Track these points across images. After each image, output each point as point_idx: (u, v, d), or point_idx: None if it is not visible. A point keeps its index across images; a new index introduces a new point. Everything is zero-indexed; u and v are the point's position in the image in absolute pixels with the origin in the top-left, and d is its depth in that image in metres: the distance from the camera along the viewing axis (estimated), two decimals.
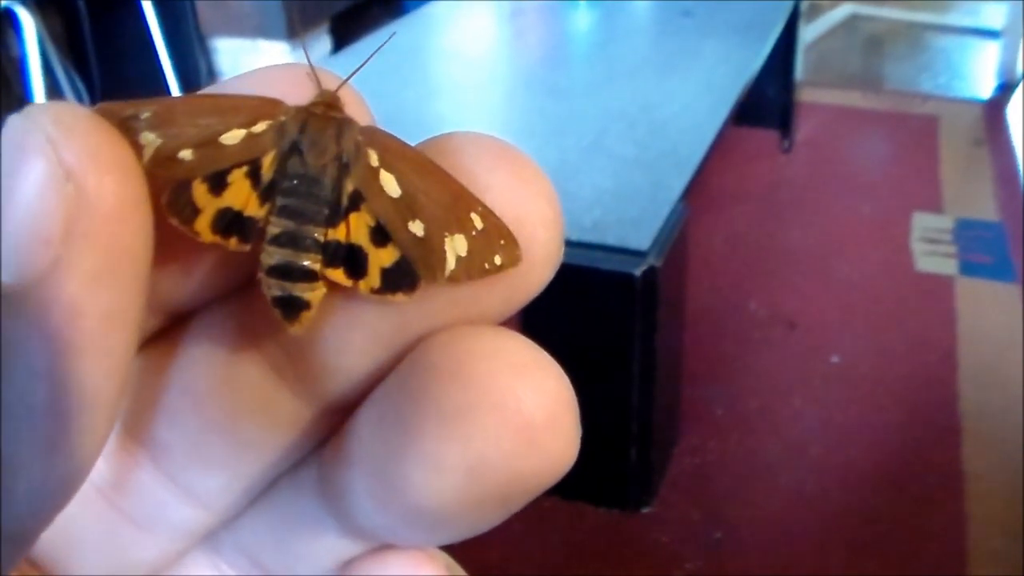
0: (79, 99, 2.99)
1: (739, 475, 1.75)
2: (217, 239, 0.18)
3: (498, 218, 0.18)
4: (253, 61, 3.05)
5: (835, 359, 2.01)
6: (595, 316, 1.53)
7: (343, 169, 0.18)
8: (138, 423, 0.20)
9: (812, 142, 2.91)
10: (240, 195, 0.18)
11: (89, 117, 0.16)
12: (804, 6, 2.65)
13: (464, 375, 0.17)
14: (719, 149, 1.77)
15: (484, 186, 0.18)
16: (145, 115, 0.17)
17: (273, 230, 0.18)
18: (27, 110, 0.16)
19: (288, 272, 0.18)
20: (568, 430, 0.17)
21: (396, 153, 0.19)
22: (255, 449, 0.20)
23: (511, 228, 0.18)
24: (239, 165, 0.18)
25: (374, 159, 0.19)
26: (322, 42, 3.15)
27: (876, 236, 2.44)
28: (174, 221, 0.18)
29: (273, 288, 0.18)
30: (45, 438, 0.16)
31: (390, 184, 0.18)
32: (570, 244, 1.46)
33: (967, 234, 2.44)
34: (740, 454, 1.79)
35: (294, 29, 3.00)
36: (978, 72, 3.51)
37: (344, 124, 0.19)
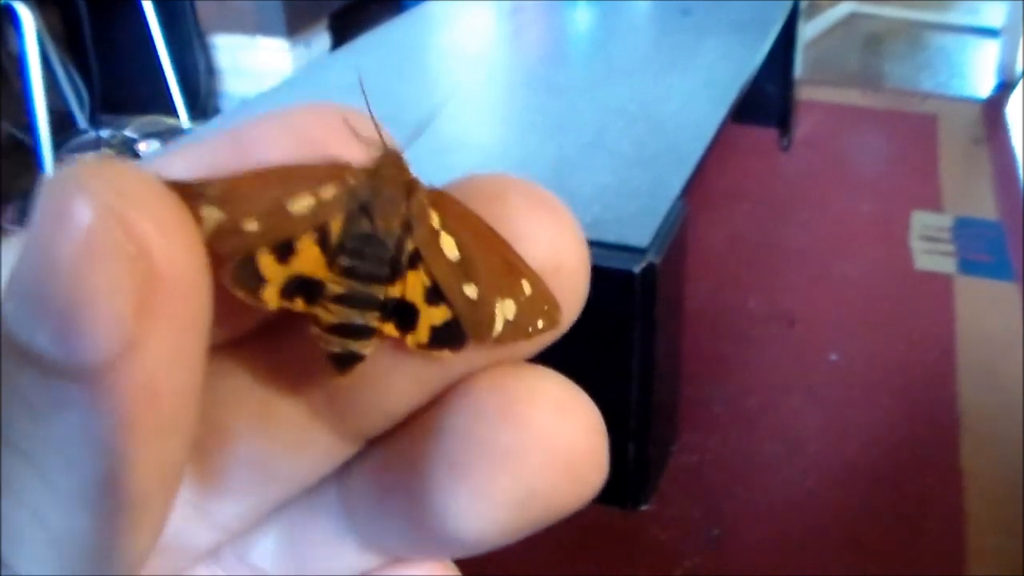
0: (78, 96, 2.99)
1: (738, 472, 1.75)
2: (284, 304, 0.18)
3: (545, 285, 0.19)
4: (252, 58, 3.05)
5: (834, 357, 2.01)
6: (594, 313, 1.52)
7: (406, 229, 0.19)
8: None
9: (811, 140, 2.91)
10: (309, 261, 0.18)
11: (150, 183, 0.15)
12: (803, 4, 2.65)
13: (512, 415, 0.18)
14: (718, 147, 1.77)
15: (524, 234, 0.19)
16: (210, 191, 0.17)
17: (337, 289, 0.18)
18: (76, 174, 0.15)
19: (349, 330, 0.18)
20: (601, 458, 0.19)
21: (456, 216, 0.19)
22: (284, 480, 0.20)
23: (548, 276, 0.19)
24: (307, 231, 0.18)
25: (436, 221, 0.19)
26: (321, 39, 3.15)
27: (875, 234, 2.45)
28: (240, 294, 0.18)
29: (334, 345, 0.18)
30: (109, 527, 0.16)
31: (449, 247, 0.19)
32: None
33: (966, 233, 2.44)
34: (739, 451, 1.79)
35: (293, 26, 3.00)
36: (977, 71, 3.51)
37: (413, 186, 0.19)
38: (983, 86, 3.34)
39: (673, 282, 1.59)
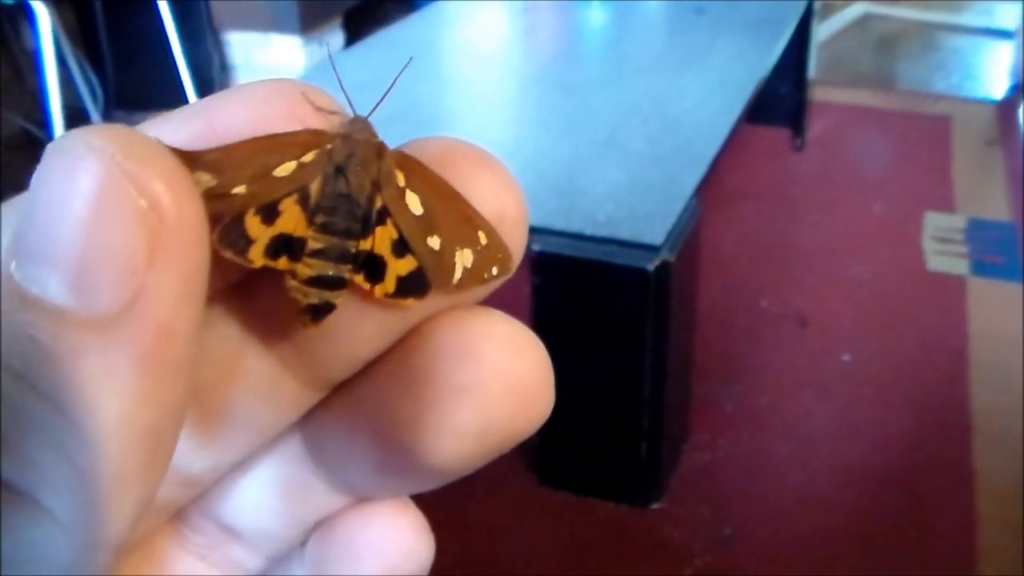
0: (92, 92, 3.00)
1: (749, 472, 1.75)
2: (268, 262, 0.20)
3: (499, 236, 0.21)
4: (266, 55, 3.06)
5: (846, 357, 2.01)
6: (608, 310, 1.53)
7: (375, 188, 0.21)
8: None
9: (824, 141, 2.91)
10: (292, 220, 0.20)
11: (154, 144, 0.17)
12: (817, 5, 2.65)
13: (470, 353, 0.20)
14: (731, 146, 1.76)
15: (471, 188, 0.20)
16: (204, 157, 0.19)
17: (315, 245, 0.20)
18: (82, 135, 0.16)
19: (325, 282, 0.20)
20: (550, 387, 0.21)
21: (419, 176, 0.21)
22: (251, 431, 0.22)
23: (495, 222, 0.20)
24: (290, 193, 0.20)
25: (401, 180, 0.21)
26: (335, 36, 3.15)
27: (888, 235, 2.44)
28: (227, 254, 0.19)
29: (311, 296, 0.20)
30: (130, 460, 0.16)
31: (414, 203, 0.21)
32: (583, 238, 1.46)
33: (979, 234, 2.44)
34: (750, 451, 1.79)
35: (307, 23, 3.00)
36: (991, 72, 3.50)
37: (382, 148, 0.21)
38: (997, 88, 3.33)
39: (686, 280, 1.59)
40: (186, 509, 0.23)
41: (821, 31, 3.10)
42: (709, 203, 1.68)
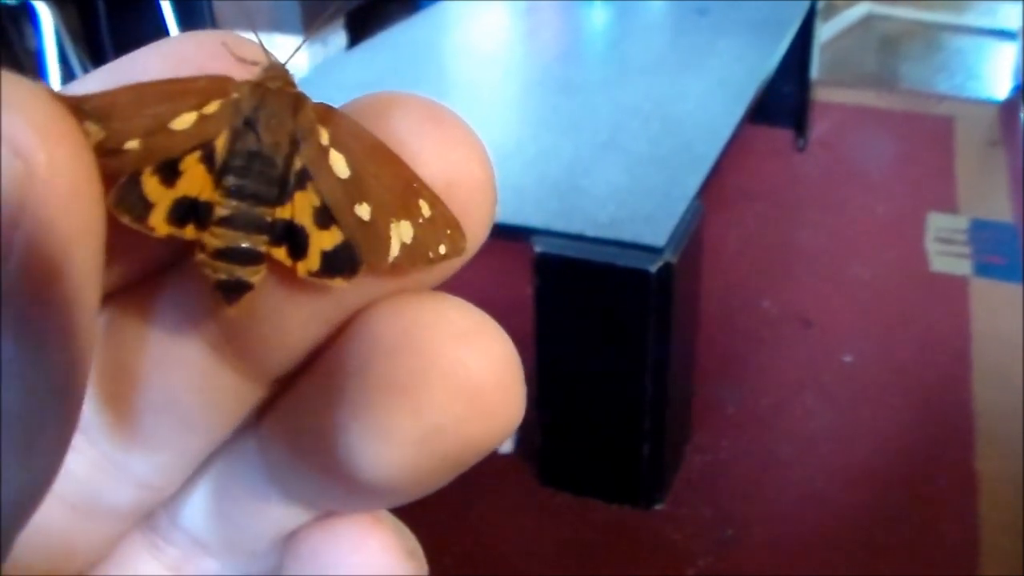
0: None
1: (751, 473, 1.75)
2: (173, 231, 0.17)
3: (446, 207, 0.17)
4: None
5: (848, 358, 2.01)
6: (610, 312, 1.53)
7: (294, 146, 0.18)
8: None
9: (827, 141, 2.90)
10: (195, 182, 0.17)
11: (34, 89, 0.15)
12: (820, 5, 2.65)
13: (410, 346, 0.17)
14: (734, 147, 1.76)
15: (413, 150, 0.17)
16: (87, 106, 0.16)
17: (222, 212, 0.17)
18: None
19: (236, 255, 0.17)
20: (514, 390, 0.17)
21: (348, 133, 0.18)
22: (195, 426, 0.19)
23: (444, 191, 0.17)
24: (192, 150, 0.17)
25: (325, 137, 0.18)
26: (338, 37, 3.15)
27: (890, 236, 2.44)
28: (125, 219, 0.17)
29: (220, 272, 0.17)
30: (12, 442, 0.15)
31: (339, 164, 0.18)
32: (585, 240, 1.46)
33: (982, 235, 2.43)
34: (752, 452, 1.79)
35: (309, 24, 3.00)
36: (994, 73, 3.50)
37: (300, 100, 0.18)
38: (1000, 88, 3.33)
39: (689, 282, 1.59)
40: (157, 518, 0.21)
41: (824, 31, 3.09)
42: (711, 204, 1.68)
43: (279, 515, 0.20)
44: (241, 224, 0.17)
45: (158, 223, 0.17)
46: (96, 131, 0.16)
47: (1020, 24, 3.46)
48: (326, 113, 0.18)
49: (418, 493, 0.18)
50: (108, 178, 0.16)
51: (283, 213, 0.18)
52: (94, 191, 0.15)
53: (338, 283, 0.17)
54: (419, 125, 0.18)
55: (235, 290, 0.17)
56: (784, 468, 1.76)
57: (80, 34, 3.01)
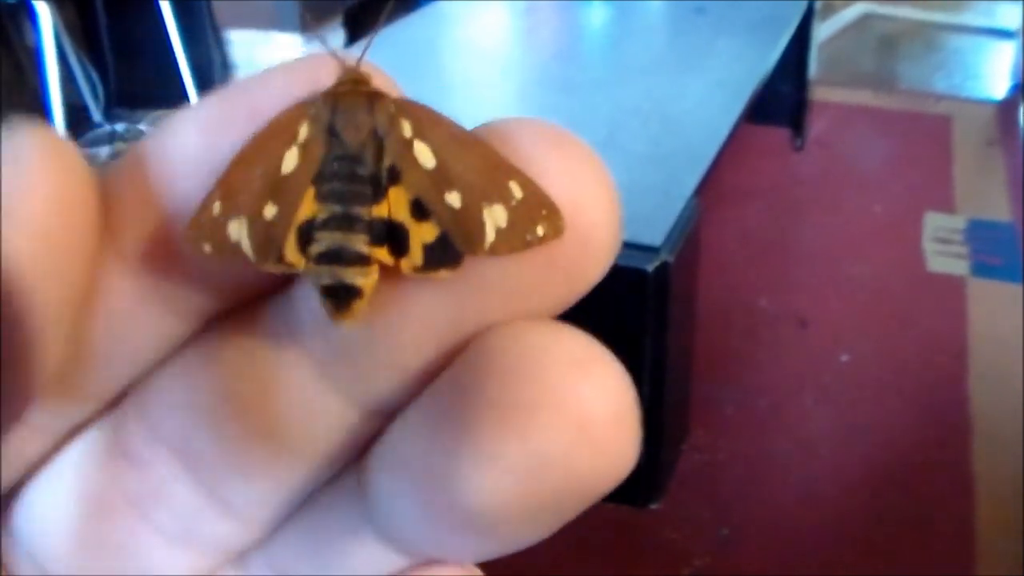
0: (93, 90, 3.00)
1: (748, 472, 1.75)
2: (304, 259, 0.17)
3: (538, 187, 0.17)
4: (267, 53, 3.06)
5: (845, 358, 2.01)
6: (606, 311, 1.53)
7: (379, 143, 0.18)
8: (173, 431, 0.19)
9: (824, 141, 2.90)
10: (308, 204, 0.18)
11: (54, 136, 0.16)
12: (818, 5, 2.65)
13: (523, 370, 0.16)
14: (731, 146, 1.77)
15: (539, 171, 0.17)
16: (215, 205, 0.17)
17: (320, 216, 0.17)
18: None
19: (339, 256, 0.17)
20: (629, 429, 0.17)
21: (429, 123, 0.18)
22: (299, 457, 0.19)
23: (568, 214, 0.17)
24: (305, 180, 0.18)
25: (407, 130, 0.18)
26: (336, 35, 3.15)
27: (888, 235, 2.44)
28: (276, 269, 0.17)
29: (324, 276, 0.17)
30: None
31: (424, 155, 0.18)
32: None
33: (979, 235, 2.43)
34: (749, 452, 1.79)
35: (307, 21, 3.00)
36: (992, 72, 3.50)
37: (374, 97, 0.18)
38: (998, 88, 3.33)
39: (686, 281, 1.59)
40: (249, 555, 0.20)
41: (822, 31, 3.09)
42: (709, 203, 1.68)
43: (373, 559, 0.19)
44: (339, 225, 0.17)
45: (295, 258, 0.17)
46: (238, 227, 0.17)
47: (1018, 24, 3.46)
48: (406, 106, 0.18)
49: (518, 535, 0.17)
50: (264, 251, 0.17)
51: (380, 211, 0.17)
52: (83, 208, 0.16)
53: (443, 275, 0.17)
54: (545, 146, 0.17)
55: (344, 296, 0.17)
56: (781, 467, 1.76)
57: (79, 32, 3.01)
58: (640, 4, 2.48)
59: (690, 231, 1.51)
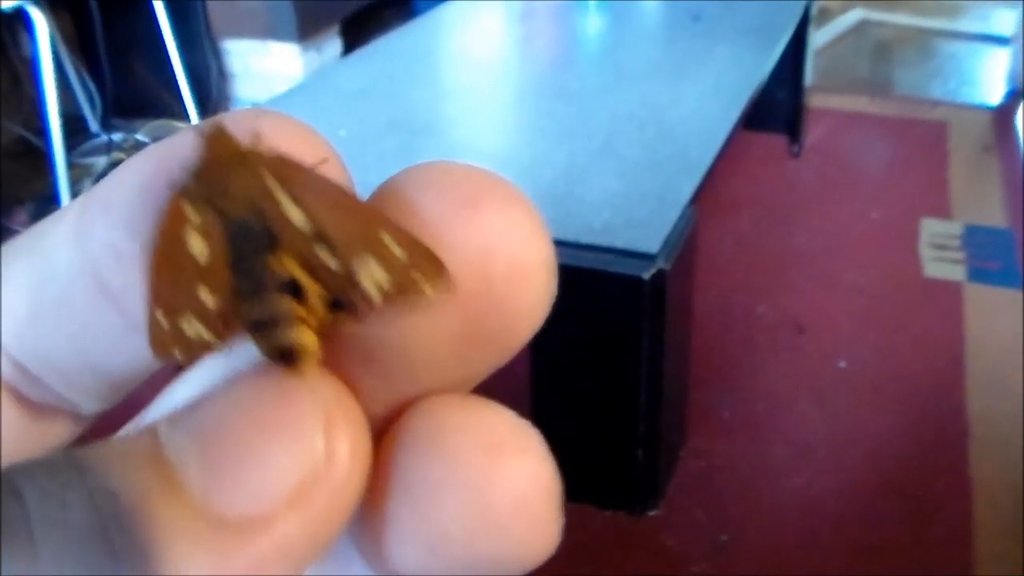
0: (90, 100, 3.00)
1: (745, 478, 1.75)
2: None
3: (414, 238, 0.17)
4: (263, 62, 3.06)
5: (842, 364, 2.01)
6: (603, 319, 1.53)
7: (254, 208, 0.17)
8: None
9: (821, 147, 2.91)
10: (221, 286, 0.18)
11: (360, 415, 0.16)
12: (814, 11, 2.65)
13: (434, 449, 0.16)
14: (728, 153, 1.77)
15: (469, 227, 0.17)
16: (159, 316, 0.17)
17: (243, 286, 0.17)
18: (306, 374, 0.16)
19: (273, 322, 0.17)
20: (540, 517, 0.17)
21: (301, 184, 0.17)
22: None
23: (505, 273, 0.17)
24: (223, 260, 0.17)
25: (279, 193, 0.17)
26: (332, 44, 3.16)
27: (884, 241, 2.44)
28: (235, 345, 0.18)
29: (262, 345, 0.17)
30: None
31: (297, 217, 0.17)
32: (579, 247, 1.46)
33: (975, 240, 2.44)
34: (746, 457, 1.79)
35: (304, 31, 3.01)
36: (988, 78, 3.51)
37: (246, 159, 0.17)
38: (993, 94, 3.34)
39: (682, 288, 1.59)
40: None
41: (818, 37, 3.10)
42: (705, 210, 1.68)
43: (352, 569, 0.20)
44: (253, 293, 0.17)
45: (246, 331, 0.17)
46: (188, 324, 0.17)
47: (1014, 30, 3.47)
48: (279, 165, 0.17)
49: None
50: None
51: (282, 269, 0.17)
52: (351, 510, 0.16)
53: (350, 325, 0.17)
54: (471, 197, 0.17)
55: (292, 358, 0.17)
56: (778, 473, 1.76)
57: (75, 41, 3.01)
58: (636, 10, 2.49)
59: (686, 238, 1.52)
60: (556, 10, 2.54)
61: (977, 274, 2.30)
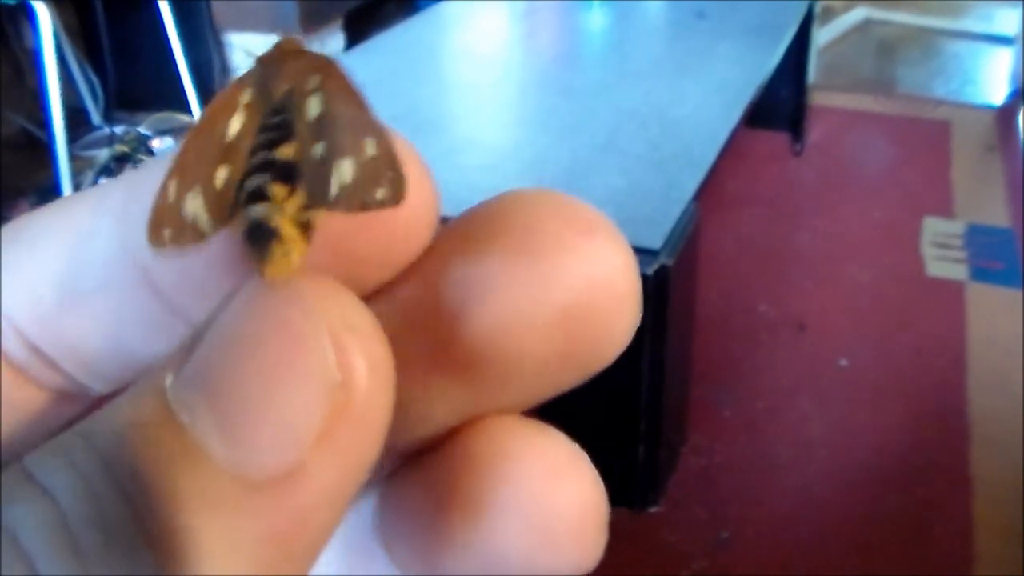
0: (92, 92, 3.00)
1: (746, 476, 1.75)
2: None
3: (393, 151, 0.16)
4: None
5: (843, 362, 2.01)
6: None
7: (291, 93, 0.18)
8: None
9: (824, 145, 2.91)
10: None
11: (371, 320, 0.15)
12: (817, 10, 2.65)
13: (499, 474, 0.17)
14: (731, 151, 1.77)
15: (583, 254, 0.17)
16: (171, 186, 0.17)
17: (252, 163, 0.17)
18: (309, 289, 0.15)
19: (256, 197, 0.17)
20: (592, 536, 0.18)
21: (330, 77, 0.18)
22: None
23: (606, 299, 0.17)
24: (250, 141, 0.18)
25: (313, 83, 0.18)
26: (335, 38, 3.15)
27: (886, 240, 2.44)
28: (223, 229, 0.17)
29: (244, 221, 0.16)
30: None
31: (313, 107, 0.18)
32: None
33: (978, 240, 2.44)
34: (747, 455, 1.79)
35: (307, 25, 3.01)
36: (991, 78, 3.51)
37: (299, 55, 0.18)
38: (996, 93, 3.34)
39: (685, 285, 1.59)
40: None
41: (821, 36, 3.10)
42: (708, 207, 1.68)
43: (376, 566, 0.20)
44: (258, 169, 0.17)
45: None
46: (193, 201, 0.17)
47: (1017, 29, 3.47)
48: (323, 64, 0.18)
49: None
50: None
51: (284, 154, 0.17)
52: (385, 428, 0.15)
53: (318, 215, 0.17)
54: (569, 224, 0.17)
55: (260, 237, 0.16)
56: (779, 471, 1.76)
57: (78, 34, 3.01)
58: (640, 8, 2.49)
59: (689, 235, 1.52)
60: (559, 6, 2.53)
61: (979, 274, 2.30)
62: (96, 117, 3.01)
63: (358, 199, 0.16)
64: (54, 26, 2.52)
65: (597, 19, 2.45)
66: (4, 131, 2.76)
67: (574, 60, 2.32)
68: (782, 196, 2.69)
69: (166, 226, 0.16)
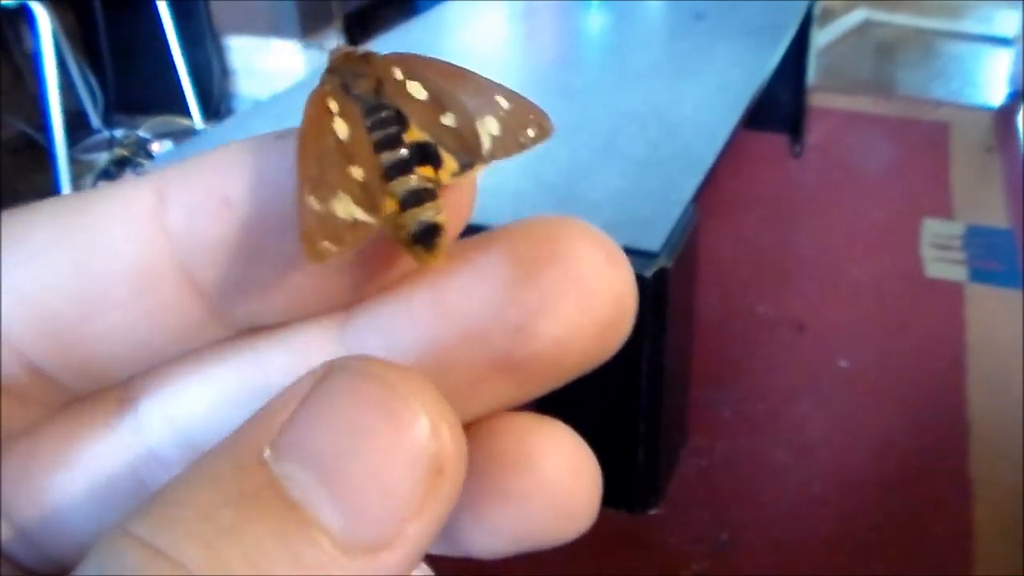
0: (92, 96, 3.00)
1: (746, 477, 1.75)
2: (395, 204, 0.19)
3: (523, 98, 0.20)
4: (265, 59, 3.06)
5: (843, 363, 2.01)
6: None
7: (380, 89, 0.20)
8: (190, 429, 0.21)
9: (823, 147, 2.91)
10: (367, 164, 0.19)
11: (452, 410, 0.17)
12: (817, 11, 2.65)
13: (527, 467, 0.20)
14: (730, 152, 1.77)
15: (612, 277, 0.20)
16: (311, 201, 0.18)
17: (385, 161, 0.19)
18: (397, 382, 0.17)
19: (418, 198, 0.19)
20: (596, 505, 0.21)
21: (418, 65, 0.20)
22: None
23: (624, 310, 0.20)
24: (366, 137, 0.19)
25: (399, 74, 0.20)
26: (335, 41, 3.15)
27: (886, 241, 2.44)
28: (381, 221, 0.18)
29: (411, 224, 0.18)
30: None
31: (416, 90, 0.20)
32: None
33: (977, 241, 2.44)
34: (747, 456, 1.79)
35: (307, 28, 3.01)
36: (990, 79, 3.51)
37: (368, 56, 0.20)
38: (995, 95, 3.34)
39: (684, 287, 1.59)
40: (142, 402, 0.21)
41: (820, 37, 3.10)
42: (707, 209, 1.68)
43: None
44: (401, 169, 0.19)
45: (390, 204, 0.19)
46: (341, 203, 0.18)
47: (1015, 31, 3.47)
48: (392, 56, 0.20)
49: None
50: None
51: (411, 137, 0.19)
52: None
53: (472, 175, 0.19)
54: (588, 245, 0.20)
55: (431, 236, 0.18)
56: (779, 472, 1.76)
57: (77, 37, 3.01)
58: (639, 9, 2.49)
59: (688, 236, 1.52)
60: (559, 8, 2.53)
61: (978, 275, 2.30)
62: (95, 120, 3.01)
63: (515, 143, 0.20)
64: (53, 29, 2.52)
65: (597, 20, 2.45)
66: (3, 134, 2.76)
67: (573, 61, 2.32)
68: (781, 197, 2.70)
69: (322, 238, 0.18)
